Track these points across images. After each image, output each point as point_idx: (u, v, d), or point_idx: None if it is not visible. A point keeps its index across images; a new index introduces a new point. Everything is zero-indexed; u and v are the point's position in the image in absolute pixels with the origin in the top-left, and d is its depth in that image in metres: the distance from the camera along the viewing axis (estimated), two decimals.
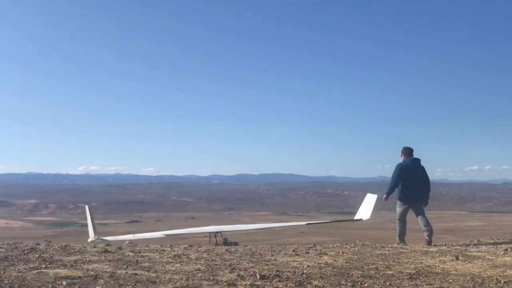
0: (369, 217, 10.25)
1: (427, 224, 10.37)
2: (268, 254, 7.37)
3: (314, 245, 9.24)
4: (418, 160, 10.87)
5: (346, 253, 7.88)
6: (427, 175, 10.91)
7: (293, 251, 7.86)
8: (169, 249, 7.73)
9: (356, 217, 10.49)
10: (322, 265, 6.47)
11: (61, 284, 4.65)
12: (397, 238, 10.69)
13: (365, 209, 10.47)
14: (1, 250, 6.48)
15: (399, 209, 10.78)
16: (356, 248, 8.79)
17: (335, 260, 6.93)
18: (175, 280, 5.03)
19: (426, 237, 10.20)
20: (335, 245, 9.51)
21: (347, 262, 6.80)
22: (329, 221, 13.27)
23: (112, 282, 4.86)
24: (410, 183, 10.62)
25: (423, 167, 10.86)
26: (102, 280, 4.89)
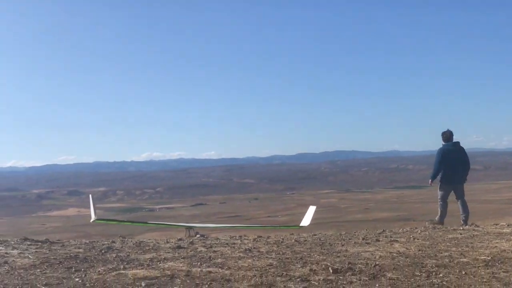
0: (308, 223, 11.94)
1: (466, 209, 11.09)
2: (338, 244, 7.34)
3: (384, 230, 9.13)
4: (458, 143, 11.36)
5: (417, 239, 7.76)
6: (467, 157, 11.46)
7: (363, 239, 7.80)
8: (239, 241, 7.81)
9: (301, 224, 12.09)
10: (394, 254, 6.40)
11: (140, 285, 4.78)
12: (437, 218, 11.13)
13: (307, 218, 12.14)
14: (80, 250, 6.70)
15: (441, 191, 11.33)
16: (427, 232, 8.65)
17: (407, 249, 6.84)
18: (249, 277, 5.08)
19: (462, 221, 10.92)
20: (405, 230, 9.37)
21: (419, 250, 6.70)
22: (278, 226, 15.04)
23: (188, 281, 4.95)
24: (452, 167, 11.16)
25: (463, 149, 11.43)
26: (178, 280, 4.99)
